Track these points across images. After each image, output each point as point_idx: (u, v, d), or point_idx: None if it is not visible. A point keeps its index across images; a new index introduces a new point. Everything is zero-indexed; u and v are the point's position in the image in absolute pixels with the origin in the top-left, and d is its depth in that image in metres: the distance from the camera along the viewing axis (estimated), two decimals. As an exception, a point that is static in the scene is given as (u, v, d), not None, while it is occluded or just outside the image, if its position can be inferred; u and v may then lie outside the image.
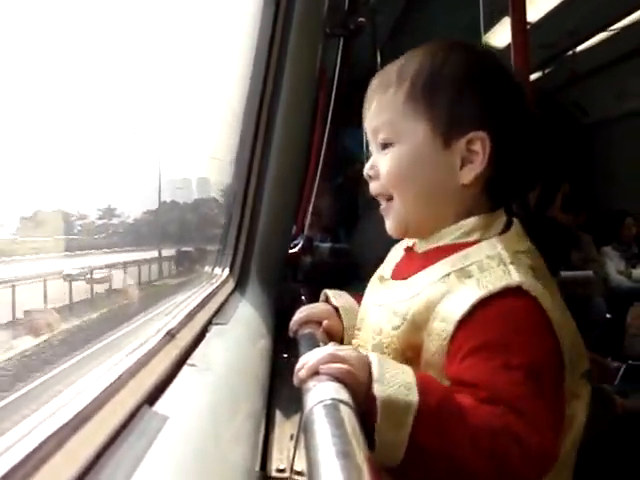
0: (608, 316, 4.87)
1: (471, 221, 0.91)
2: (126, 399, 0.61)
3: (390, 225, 0.98)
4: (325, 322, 1.08)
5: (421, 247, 0.98)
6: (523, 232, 0.93)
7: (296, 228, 2.75)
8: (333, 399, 0.65)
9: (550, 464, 0.76)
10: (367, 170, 0.98)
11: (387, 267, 1.05)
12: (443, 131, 0.91)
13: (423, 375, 0.76)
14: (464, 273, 0.84)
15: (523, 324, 0.79)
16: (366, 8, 3.70)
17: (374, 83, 1.00)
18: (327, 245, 2.80)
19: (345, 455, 0.53)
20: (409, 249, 1.02)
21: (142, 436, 0.56)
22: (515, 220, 0.94)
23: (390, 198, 0.96)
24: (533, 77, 5.20)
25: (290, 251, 2.51)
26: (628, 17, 4.31)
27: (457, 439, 0.70)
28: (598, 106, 6.05)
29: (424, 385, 0.72)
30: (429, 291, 0.85)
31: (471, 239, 0.90)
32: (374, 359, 0.74)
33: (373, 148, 0.99)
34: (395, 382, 0.71)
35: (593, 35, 4.74)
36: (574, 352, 0.85)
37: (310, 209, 2.72)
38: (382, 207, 0.99)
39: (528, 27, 2.95)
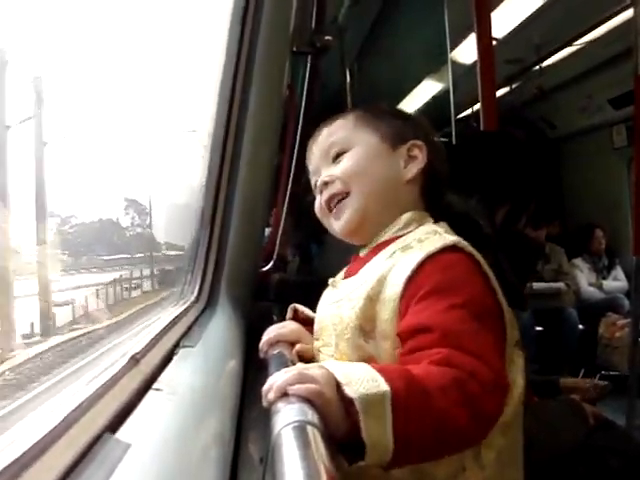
0: (581, 327, 4.93)
1: (408, 215, 1.06)
2: (86, 427, 0.59)
3: (346, 218, 1.09)
4: (298, 346, 1.10)
5: (366, 250, 1.10)
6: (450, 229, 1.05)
7: (268, 246, 2.75)
8: (300, 421, 0.64)
9: (504, 395, 0.83)
10: (324, 178, 1.11)
11: (339, 275, 1.15)
12: (389, 140, 1.10)
13: (377, 365, 0.79)
14: (406, 247, 0.98)
15: (462, 272, 0.91)
16: (334, 27, 3.74)
17: (318, 130, 1.17)
18: (295, 263, 2.80)
19: (311, 478, 0.53)
20: (356, 256, 1.13)
21: (102, 465, 0.54)
22: (443, 221, 1.07)
23: (345, 196, 1.08)
24: (501, 92, 5.29)
25: (262, 269, 2.50)
26: (592, 32, 4.39)
27: (433, 403, 0.73)
28: (564, 120, 6.16)
29: (385, 373, 0.74)
30: (379, 269, 0.97)
31: (408, 230, 1.04)
32: (333, 367, 0.76)
33: (323, 168, 1.13)
34: (362, 379, 0.72)
35: (559, 50, 4.81)
36: (508, 320, 0.94)
37: (281, 227, 2.72)
38: (334, 210, 1.10)
39: (494, 43, 3.01)
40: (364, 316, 0.95)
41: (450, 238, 0.95)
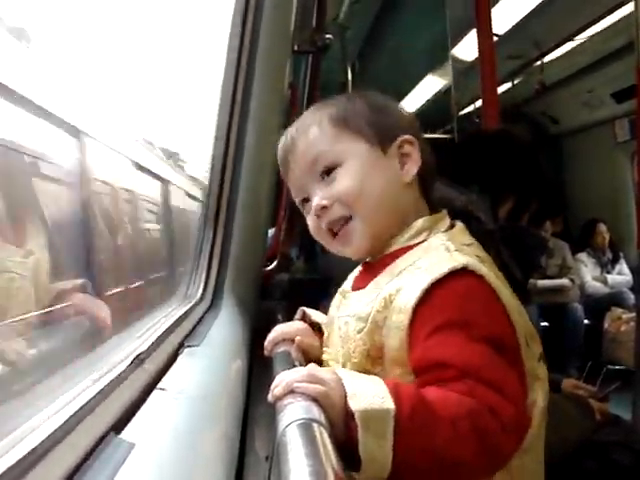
0: (586, 322, 4.92)
1: (418, 223, 0.97)
2: (91, 427, 0.59)
3: (357, 245, 0.98)
4: (298, 338, 1.07)
5: (375, 258, 1.01)
6: (467, 231, 0.98)
7: (273, 246, 2.75)
8: (306, 419, 0.64)
9: (525, 432, 0.80)
10: (320, 203, 0.97)
11: (348, 282, 1.08)
12: (378, 142, 0.98)
13: (392, 382, 0.76)
14: (414, 267, 0.89)
15: (475, 300, 0.82)
16: (335, 25, 3.74)
17: (289, 138, 1.03)
18: (302, 262, 2.81)
19: (317, 475, 0.52)
20: (365, 263, 1.05)
21: (107, 464, 0.54)
22: (459, 222, 0.99)
23: (347, 220, 0.96)
24: (503, 88, 5.28)
25: (266, 269, 2.50)
26: (593, 26, 4.38)
27: (438, 432, 0.71)
28: (567, 115, 6.15)
29: (395, 390, 0.72)
30: (386, 290, 0.89)
31: (419, 240, 0.95)
32: (345, 375, 0.75)
33: (311, 185, 0.99)
34: (368, 393, 0.71)
35: (560, 45, 4.80)
36: (528, 335, 0.88)
37: (285, 226, 2.72)
38: (338, 235, 0.98)
39: (495, 39, 3.00)
40: (371, 342, 0.88)
41: (460, 260, 0.84)
